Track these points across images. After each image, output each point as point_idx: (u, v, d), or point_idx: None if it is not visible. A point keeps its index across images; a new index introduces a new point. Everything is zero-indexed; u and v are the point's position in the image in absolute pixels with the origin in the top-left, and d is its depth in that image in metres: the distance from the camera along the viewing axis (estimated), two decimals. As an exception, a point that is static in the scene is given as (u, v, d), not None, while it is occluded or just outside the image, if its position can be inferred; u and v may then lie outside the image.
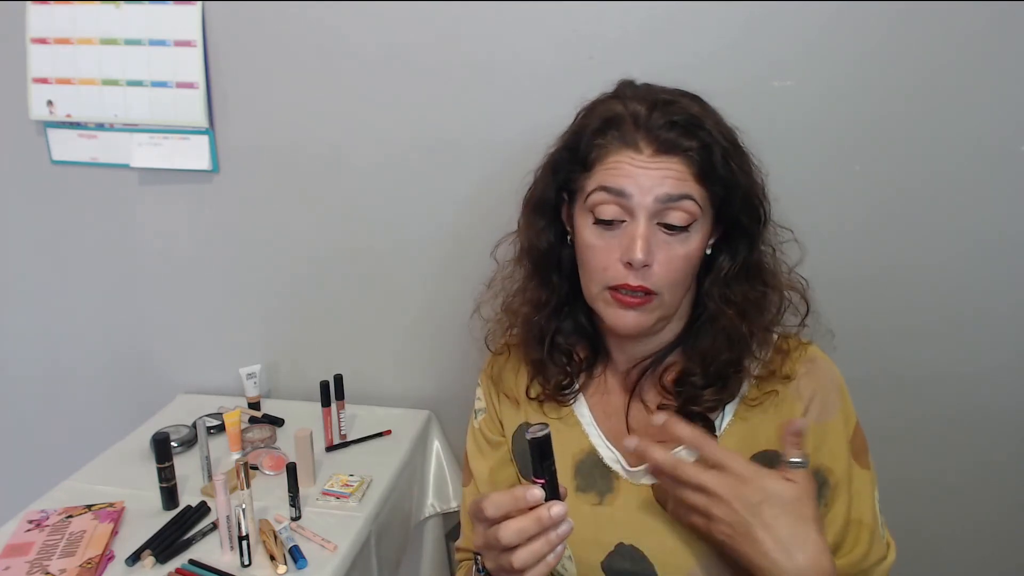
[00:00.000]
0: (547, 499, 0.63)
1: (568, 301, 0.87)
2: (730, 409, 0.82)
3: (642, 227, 0.73)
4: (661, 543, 0.79)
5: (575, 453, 0.87)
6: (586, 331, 0.88)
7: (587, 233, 0.77)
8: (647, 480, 0.81)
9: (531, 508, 0.63)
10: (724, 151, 0.76)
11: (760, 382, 0.80)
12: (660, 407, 0.83)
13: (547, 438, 0.64)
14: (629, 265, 0.74)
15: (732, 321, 0.79)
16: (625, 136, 0.74)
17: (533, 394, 0.89)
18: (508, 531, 0.62)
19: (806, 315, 0.83)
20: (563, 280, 0.86)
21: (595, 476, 0.85)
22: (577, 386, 0.88)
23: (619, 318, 0.77)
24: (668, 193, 0.73)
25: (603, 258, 0.76)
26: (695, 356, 0.82)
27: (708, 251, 0.81)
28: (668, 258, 0.75)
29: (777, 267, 0.83)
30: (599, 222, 0.76)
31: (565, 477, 0.86)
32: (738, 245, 0.81)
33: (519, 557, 0.62)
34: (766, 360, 0.80)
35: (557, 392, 0.87)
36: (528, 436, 0.64)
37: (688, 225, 0.74)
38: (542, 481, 0.64)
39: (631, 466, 0.83)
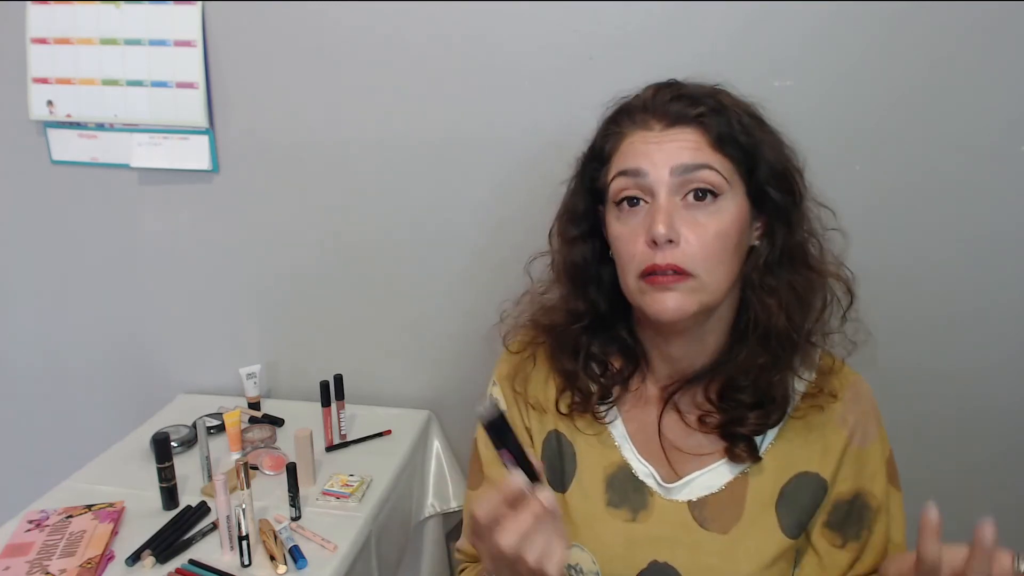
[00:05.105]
0: (528, 480, 0.61)
1: (607, 318, 0.82)
2: (773, 430, 0.79)
3: (663, 202, 0.71)
4: (697, 561, 0.76)
5: (606, 467, 0.82)
6: (624, 343, 0.84)
7: (615, 226, 0.75)
8: (684, 496, 0.78)
9: (518, 499, 0.61)
10: (739, 117, 0.74)
11: (805, 399, 0.79)
12: (701, 420, 0.80)
13: (500, 418, 0.62)
14: (654, 243, 0.70)
15: (774, 316, 0.75)
16: (635, 119, 0.74)
17: (564, 408, 0.84)
18: (509, 536, 0.59)
19: (848, 307, 0.80)
20: (602, 296, 0.82)
21: (628, 491, 0.81)
22: (612, 398, 0.84)
23: (659, 303, 0.72)
24: (684, 163, 0.71)
25: (631, 246, 0.73)
26: (737, 365, 0.78)
27: (756, 243, 0.78)
28: (698, 236, 0.71)
29: (822, 255, 0.79)
30: (621, 205, 0.74)
31: (596, 491, 0.82)
32: (775, 227, 0.77)
33: (532, 554, 0.60)
34: (811, 380, 0.79)
35: (591, 405, 0.82)
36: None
37: (714, 195, 0.71)
38: (510, 457, 0.61)
39: (667, 482, 0.80)
